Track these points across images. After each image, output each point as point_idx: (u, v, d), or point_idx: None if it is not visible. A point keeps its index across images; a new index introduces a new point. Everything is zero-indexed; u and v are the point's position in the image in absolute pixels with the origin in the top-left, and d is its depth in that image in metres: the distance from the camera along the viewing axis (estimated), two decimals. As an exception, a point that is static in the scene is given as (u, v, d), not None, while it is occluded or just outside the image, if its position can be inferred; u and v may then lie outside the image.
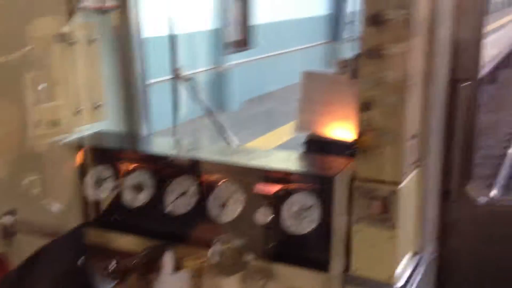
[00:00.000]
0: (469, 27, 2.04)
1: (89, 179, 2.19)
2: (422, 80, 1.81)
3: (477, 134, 2.13)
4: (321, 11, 15.43)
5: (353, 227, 1.77)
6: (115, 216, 2.16)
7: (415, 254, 1.93)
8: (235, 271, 1.84)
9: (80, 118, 2.28)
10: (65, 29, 2.20)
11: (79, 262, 2.05)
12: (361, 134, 1.74)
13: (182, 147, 2.28)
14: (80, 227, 2.15)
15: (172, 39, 2.80)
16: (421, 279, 1.88)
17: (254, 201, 1.91)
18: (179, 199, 2.01)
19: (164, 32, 2.68)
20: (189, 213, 2.00)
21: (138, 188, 2.09)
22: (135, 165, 2.13)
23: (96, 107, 2.36)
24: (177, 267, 1.94)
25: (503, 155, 9.06)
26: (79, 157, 2.23)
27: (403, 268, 1.81)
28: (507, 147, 9.47)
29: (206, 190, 1.99)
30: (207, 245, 1.83)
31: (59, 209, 2.19)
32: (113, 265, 1.93)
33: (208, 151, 2.20)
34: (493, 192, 7.12)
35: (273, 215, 1.87)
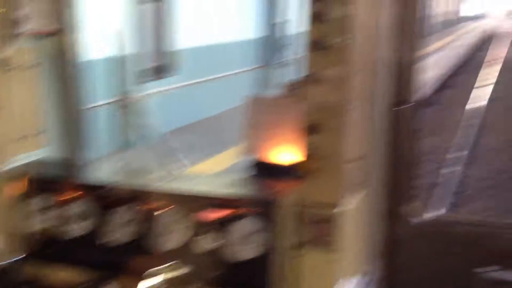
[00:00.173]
0: (407, 50, 2.07)
1: (28, 209, 2.13)
2: (363, 103, 1.85)
3: (418, 155, 2.16)
4: (251, 34, 14.19)
5: (297, 251, 1.78)
6: (55, 247, 2.08)
7: (362, 275, 1.95)
8: None
9: (19, 146, 2.26)
10: (3, 55, 2.17)
11: None
12: (305, 158, 1.78)
13: (123, 173, 2.26)
14: (18, 260, 2.09)
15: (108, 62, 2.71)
16: None
17: (198, 228, 1.89)
18: (121, 228, 1.98)
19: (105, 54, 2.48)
20: (131, 243, 1.97)
21: (79, 217, 2.06)
22: (76, 194, 2.08)
23: (37, 134, 2.34)
24: None
25: (441, 177, 9.26)
26: (17, 187, 2.17)
27: None
28: (444, 170, 9.65)
29: (148, 218, 1.95)
30: (150, 275, 1.82)
31: None
32: None
33: (150, 177, 2.15)
34: (435, 211, 6.70)
35: (218, 242, 1.86)
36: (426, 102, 13.65)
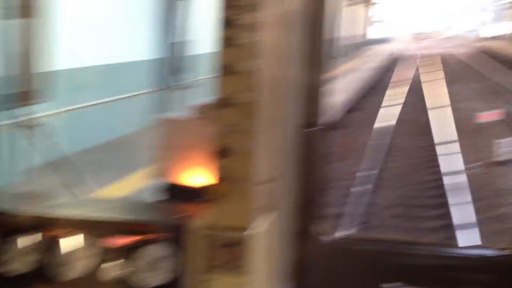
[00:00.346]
0: (316, 73, 2.11)
1: None
2: (273, 126, 1.89)
3: (327, 177, 2.22)
4: (145, 55, 13.20)
5: (208, 275, 1.77)
6: None
7: None
8: None
9: None
10: None
11: None
12: (216, 181, 1.78)
13: (25, 198, 2.15)
14: None
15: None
16: None
17: (105, 255, 1.82)
18: (21, 257, 1.87)
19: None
20: (33, 272, 1.87)
21: None
22: None
23: None
24: None
25: (351, 197, 9.45)
26: None
27: None
28: (354, 191, 9.83)
29: (52, 246, 1.86)
30: None
31: None
32: None
33: (54, 203, 2.07)
34: (344, 231, 7.66)
35: (126, 269, 1.80)
36: (336, 125, 13.92)
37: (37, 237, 1.89)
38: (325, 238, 2.23)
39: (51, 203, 2.09)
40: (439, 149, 12.72)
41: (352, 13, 37.23)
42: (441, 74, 28.88)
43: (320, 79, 2.13)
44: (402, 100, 20.78)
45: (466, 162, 11.83)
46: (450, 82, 25.44)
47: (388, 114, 17.24)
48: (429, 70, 30.67)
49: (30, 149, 2.62)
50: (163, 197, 2.11)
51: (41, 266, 1.88)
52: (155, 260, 1.80)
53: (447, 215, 8.72)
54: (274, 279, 2.00)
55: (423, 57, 41.86)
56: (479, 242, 7.17)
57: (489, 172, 11.22)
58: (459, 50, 52.06)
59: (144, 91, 12.40)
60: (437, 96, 20.76)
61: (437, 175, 11.18)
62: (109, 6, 11.33)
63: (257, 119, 1.76)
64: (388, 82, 26.10)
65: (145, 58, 12.93)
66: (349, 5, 34.60)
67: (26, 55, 2.98)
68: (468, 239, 7.33)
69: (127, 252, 1.82)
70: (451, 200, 9.13)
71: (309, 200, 2.17)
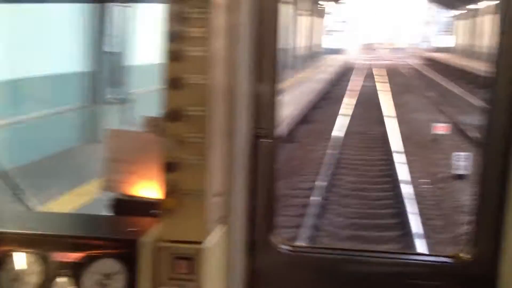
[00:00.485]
0: (267, 84, 2.09)
1: None
2: (224, 139, 1.88)
3: (279, 188, 2.21)
4: (73, 67, 11.33)
5: None
6: None
7: None
8: None
9: None
10: None
11: None
12: (165, 195, 1.75)
13: None
14: None
15: None
16: None
17: (52, 271, 1.78)
18: None
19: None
20: None
21: None
22: None
23: None
24: None
25: (303, 209, 9.25)
26: None
27: None
28: (306, 202, 9.55)
29: (1, 262, 1.81)
30: None
31: None
32: None
33: (1, 218, 2.06)
34: (297, 241, 7.53)
35: (74, 285, 1.77)
36: (289, 136, 13.68)
37: None
38: (281, 248, 2.21)
39: None
40: (395, 159, 11.99)
41: (307, 23, 36.75)
42: (390, 85, 28.56)
43: (272, 90, 2.12)
44: (353, 111, 20.12)
45: (421, 175, 11.12)
46: (400, 92, 25.10)
47: (341, 125, 16.41)
48: (380, 80, 30.39)
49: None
50: (113, 211, 2.07)
51: None
52: (107, 276, 1.76)
53: (402, 225, 8.59)
54: None
55: (374, 67, 41.88)
56: (428, 251, 7.26)
57: (443, 187, 10.46)
58: (408, 61, 52.70)
59: (72, 106, 11.11)
60: (389, 106, 20.18)
61: (391, 184, 10.62)
62: (37, 15, 10.01)
63: (207, 132, 1.75)
64: (340, 93, 25.51)
65: (75, 70, 11.71)
66: (302, 14, 34.04)
67: None
68: (420, 247, 7.45)
69: (78, 267, 1.77)
70: (408, 209, 8.96)
71: (264, 211, 2.16)
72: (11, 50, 9.10)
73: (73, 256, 1.78)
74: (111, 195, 2.05)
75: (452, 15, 56.63)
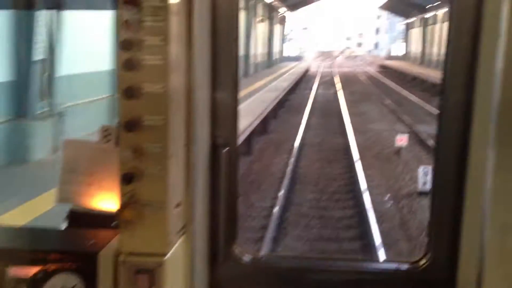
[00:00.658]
0: (225, 93, 2.05)
1: None
2: (184, 148, 1.84)
3: (238, 198, 2.16)
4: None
5: None
6: None
7: None
8: None
9: None
10: None
11: None
12: (123, 207, 1.71)
13: None
14: None
15: None
16: None
17: (9, 286, 1.72)
18: None
19: None
20: None
21: None
22: None
23: None
24: None
25: (263, 219, 8.94)
26: None
27: None
28: (266, 212, 9.28)
29: None
30: None
31: None
32: None
33: None
34: (258, 251, 7.40)
35: None
36: (244, 148, 12.99)
37: None
38: (243, 258, 2.17)
39: None
40: (358, 174, 11.18)
41: (265, 30, 35.98)
42: (346, 93, 28.05)
43: (231, 98, 2.09)
44: (313, 121, 19.36)
45: (383, 191, 10.36)
46: (358, 101, 24.59)
47: (300, 136, 15.57)
48: (340, 88, 29.88)
49: None
50: (70, 223, 1.98)
51: None
52: None
53: (362, 235, 8.32)
54: None
55: (334, 75, 41.54)
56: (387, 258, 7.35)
57: (410, 205, 9.70)
58: (366, 68, 52.77)
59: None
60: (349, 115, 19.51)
61: (351, 194, 9.93)
62: None
63: (166, 142, 1.70)
64: (300, 101, 24.78)
65: None
66: (261, 21, 33.24)
67: None
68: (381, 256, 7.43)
69: (35, 282, 1.70)
70: (369, 220, 8.58)
71: (225, 221, 2.10)
72: None
73: (31, 271, 1.72)
74: (67, 206, 1.99)
75: (407, 22, 57.16)
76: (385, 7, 60.21)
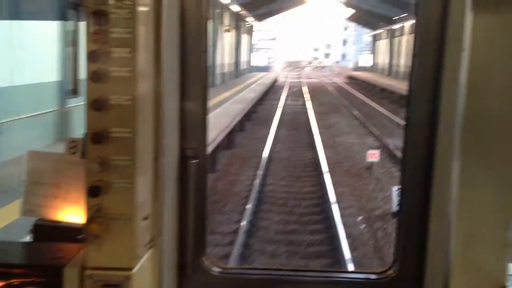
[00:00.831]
0: (194, 104, 2.03)
1: None
2: (152, 160, 1.82)
3: (207, 209, 2.15)
4: None
5: None
6: None
7: None
8: None
9: None
10: None
11: None
12: (90, 220, 1.67)
13: None
14: None
15: None
16: None
17: None
18: None
19: None
20: None
21: None
22: None
23: None
24: None
25: (233, 230, 8.63)
26: None
27: None
28: (236, 224, 8.97)
29: None
30: None
31: None
32: None
33: None
34: (228, 262, 7.21)
35: None
36: (212, 161, 12.47)
37: None
38: (212, 270, 2.15)
39: None
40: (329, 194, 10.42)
41: (232, 40, 35.23)
42: (315, 104, 27.52)
43: (200, 109, 2.05)
44: (282, 133, 18.63)
45: (355, 211, 9.65)
46: (327, 113, 24.03)
47: (267, 150, 14.79)
48: (308, 99, 29.33)
49: None
50: (35, 236, 1.92)
51: None
52: None
53: (334, 265, 7.81)
54: None
55: (303, 85, 41.08)
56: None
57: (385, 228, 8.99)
58: (334, 79, 52.64)
59: None
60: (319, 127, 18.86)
61: (321, 216, 9.18)
62: None
63: (134, 154, 1.68)
64: (268, 113, 24.05)
65: None
66: (228, 31, 32.48)
67: None
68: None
69: None
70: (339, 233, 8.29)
71: (194, 233, 2.07)
72: None
73: None
74: (31, 219, 1.90)
75: (374, 34, 57.42)
76: (352, 18, 60.44)
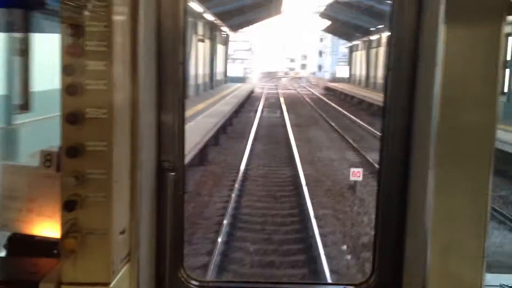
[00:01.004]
0: (171, 116, 2.03)
1: None
2: (128, 173, 1.81)
3: (184, 222, 2.14)
4: None
5: None
6: None
7: None
8: None
9: None
10: None
11: None
12: (65, 235, 1.66)
13: None
14: None
15: None
16: None
17: None
18: None
19: None
20: None
21: None
22: None
23: None
24: None
25: (211, 243, 8.37)
26: None
27: None
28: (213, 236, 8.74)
29: None
30: None
31: None
32: None
33: None
34: (205, 275, 6.99)
35: None
36: (194, 167, 12.07)
37: None
38: (190, 283, 2.15)
39: None
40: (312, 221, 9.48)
41: (206, 50, 34.26)
42: (292, 116, 26.70)
43: (177, 122, 2.06)
44: (259, 149, 17.71)
45: (338, 239, 8.73)
46: (305, 126, 23.22)
47: (243, 167, 13.82)
48: (284, 111, 28.50)
49: None
50: (9, 251, 1.90)
51: None
52: None
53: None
54: None
55: (279, 96, 40.33)
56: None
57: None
58: (310, 90, 52.09)
59: None
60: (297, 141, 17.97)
61: (302, 245, 8.17)
62: None
63: (110, 167, 1.67)
64: (243, 126, 23.12)
65: None
66: (202, 41, 31.51)
67: None
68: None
69: None
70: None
71: (171, 246, 2.06)
72: None
73: None
74: (5, 233, 1.86)
75: (350, 45, 57.20)
76: (328, 29, 60.16)
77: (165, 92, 2.01)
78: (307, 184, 11.63)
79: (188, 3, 2.07)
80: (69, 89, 1.62)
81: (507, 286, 2.19)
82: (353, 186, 11.70)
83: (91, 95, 1.63)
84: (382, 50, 39.73)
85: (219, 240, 8.31)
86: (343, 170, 13.92)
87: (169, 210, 2.02)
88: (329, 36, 76.48)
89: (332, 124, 23.63)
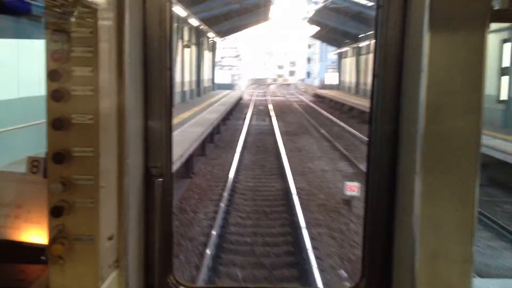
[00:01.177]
0: (158, 122, 2.02)
1: None
2: (116, 180, 1.80)
3: (172, 228, 2.11)
4: None
5: None
6: None
7: None
8: None
9: None
10: None
11: None
12: (53, 241, 1.65)
13: None
14: None
15: None
16: None
17: None
18: None
19: None
20: None
21: None
22: None
23: None
24: None
25: (198, 248, 8.29)
26: None
27: None
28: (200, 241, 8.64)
29: None
30: None
31: None
32: None
33: None
34: (194, 282, 6.86)
35: None
36: (178, 179, 11.64)
37: None
38: None
39: None
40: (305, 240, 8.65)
41: (193, 56, 33.43)
42: (282, 124, 25.93)
43: (164, 127, 2.05)
44: (248, 160, 16.94)
45: (335, 263, 7.93)
46: (295, 134, 22.46)
47: (230, 177, 12.99)
48: (274, 119, 27.73)
49: None
50: (1, 257, 1.89)
51: None
52: None
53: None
54: None
55: (268, 103, 39.57)
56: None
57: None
58: (299, 97, 51.45)
59: None
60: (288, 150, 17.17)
61: (295, 270, 7.38)
62: None
63: (97, 173, 1.66)
64: (231, 134, 22.31)
65: None
66: (188, 47, 30.66)
67: None
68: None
69: None
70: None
71: (160, 252, 2.05)
72: None
73: None
74: None
75: (339, 52, 56.73)
76: (317, 36, 59.66)
77: (152, 98, 2.01)
78: (298, 199, 10.85)
79: (173, 8, 2.04)
80: (55, 95, 1.63)
81: None
82: (348, 201, 10.91)
83: (77, 101, 1.64)
84: (371, 57, 39.23)
85: (203, 270, 7.47)
86: (335, 182, 13.15)
87: (157, 216, 2.02)
88: (317, 42, 76.10)
89: (323, 131, 22.90)
